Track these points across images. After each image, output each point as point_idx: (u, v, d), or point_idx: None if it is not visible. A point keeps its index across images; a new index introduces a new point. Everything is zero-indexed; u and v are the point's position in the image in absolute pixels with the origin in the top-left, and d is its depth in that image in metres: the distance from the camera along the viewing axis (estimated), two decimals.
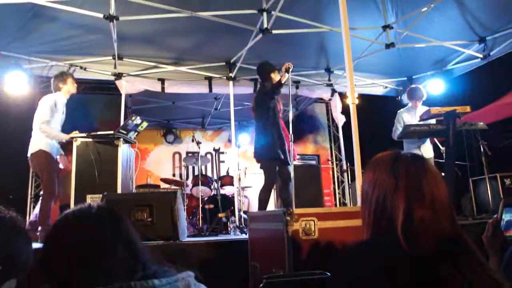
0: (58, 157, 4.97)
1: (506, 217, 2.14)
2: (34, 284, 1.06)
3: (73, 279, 1.01)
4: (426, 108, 5.69)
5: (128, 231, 1.15)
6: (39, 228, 4.63)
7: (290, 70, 4.69)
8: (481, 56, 6.51)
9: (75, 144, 4.66)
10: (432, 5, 5.26)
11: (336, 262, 1.21)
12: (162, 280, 1.00)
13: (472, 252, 1.13)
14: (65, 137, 4.79)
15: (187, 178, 9.39)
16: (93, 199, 4.45)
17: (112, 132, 4.74)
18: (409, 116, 6.03)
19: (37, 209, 4.83)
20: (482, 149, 5.56)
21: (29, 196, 8.23)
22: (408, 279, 1.05)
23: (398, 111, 6.19)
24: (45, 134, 4.76)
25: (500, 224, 1.70)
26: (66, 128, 5.05)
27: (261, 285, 1.91)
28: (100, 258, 1.04)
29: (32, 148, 4.81)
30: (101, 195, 4.16)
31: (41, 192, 4.87)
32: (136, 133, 5.05)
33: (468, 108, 5.03)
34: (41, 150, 4.76)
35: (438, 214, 1.16)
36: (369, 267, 1.12)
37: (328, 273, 2.06)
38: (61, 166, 5.04)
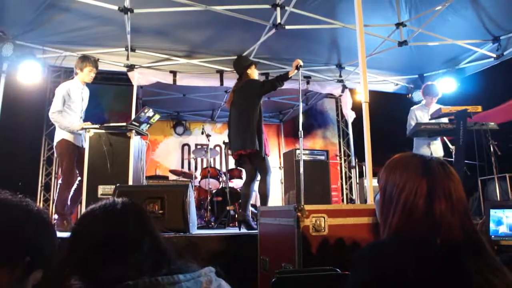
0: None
1: (493, 217, 2.44)
2: (62, 276, 1.10)
3: (101, 273, 1.05)
4: (440, 106, 5.70)
5: (152, 226, 1.19)
6: (56, 217, 4.70)
7: (300, 67, 4.70)
8: (494, 55, 6.46)
9: (88, 135, 4.70)
10: (446, 4, 5.23)
11: (355, 258, 1.22)
12: (186, 275, 1.04)
13: (492, 256, 1.16)
14: (76, 127, 4.81)
15: (196, 170, 9.44)
16: (104, 190, 4.50)
17: (124, 124, 4.78)
18: (422, 113, 6.05)
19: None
20: (492, 149, 5.55)
21: (39, 184, 8.33)
22: (433, 277, 1.08)
23: (411, 108, 6.20)
24: (57, 124, 4.82)
25: (489, 224, 1.83)
26: None
27: (273, 280, 1.94)
28: (127, 253, 1.08)
29: (56, 137, 4.89)
30: (112, 186, 4.22)
31: (59, 181, 4.92)
32: (148, 125, 5.08)
33: (479, 108, 5.03)
34: (63, 139, 4.82)
35: (463, 217, 1.20)
36: (394, 264, 1.13)
37: (338, 270, 2.09)
38: None
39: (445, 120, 5.54)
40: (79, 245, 1.14)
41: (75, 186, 4.86)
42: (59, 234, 3.09)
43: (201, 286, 1.05)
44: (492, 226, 2.50)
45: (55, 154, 5.16)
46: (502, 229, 2.50)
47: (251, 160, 4.87)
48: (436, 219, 1.18)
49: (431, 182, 1.22)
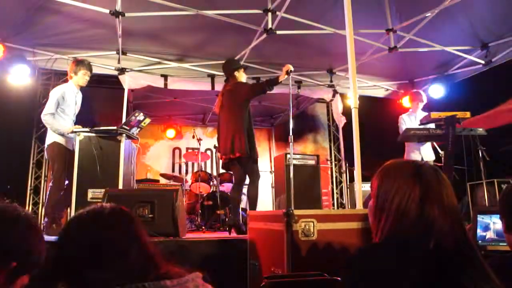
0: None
1: (480, 222, 2.50)
2: (49, 281, 1.09)
3: (88, 278, 1.05)
4: (425, 113, 5.76)
5: (140, 232, 1.19)
6: (45, 219, 4.67)
7: (290, 72, 4.73)
8: (483, 62, 6.54)
9: (78, 139, 4.66)
10: (436, 11, 5.29)
11: (347, 261, 1.24)
12: (173, 281, 1.04)
13: (483, 263, 1.17)
14: (67, 130, 4.78)
15: (186, 174, 9.41)
16: (94, 194, 4.48)
17: (115, 127, 4.75)
18: (409, 119, 6.12)
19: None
20: (480, 154, 5.60)
21: (28, 188, 8.26)
22: (424, 281, 1.10)
23: (400, 116, 6.27)
24: (48, 126, 4.80)
25: (476, 230, 1.86)
26: None
27: (262, 284, 1.95)
28: (114, 258, 1.08)
29: (47, 140, 4.85)
30: (102, 190, 4.19)
31: (50, 184, 4.89)
32: (139, 129, 5.07)
33: (468, 114, 5.07)
34: (54, 142, 4.78)
35: (454, 223, 1.21)
36: (385, 267, 1.15)
37: (327, 275, 2.10)
38: None
39: (433, 125, 5.58)
40: (66, 249, 1.14)
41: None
42: (47, 238, 3.07)
43: None
44: (479, 231, 2.53)
45: (45, 157, 5.12)
46: (489, 235, 2.54)
47: (241, 164, 4.88)
48: (428, 223, 1.19)
49: (423, 188, 1.24)
